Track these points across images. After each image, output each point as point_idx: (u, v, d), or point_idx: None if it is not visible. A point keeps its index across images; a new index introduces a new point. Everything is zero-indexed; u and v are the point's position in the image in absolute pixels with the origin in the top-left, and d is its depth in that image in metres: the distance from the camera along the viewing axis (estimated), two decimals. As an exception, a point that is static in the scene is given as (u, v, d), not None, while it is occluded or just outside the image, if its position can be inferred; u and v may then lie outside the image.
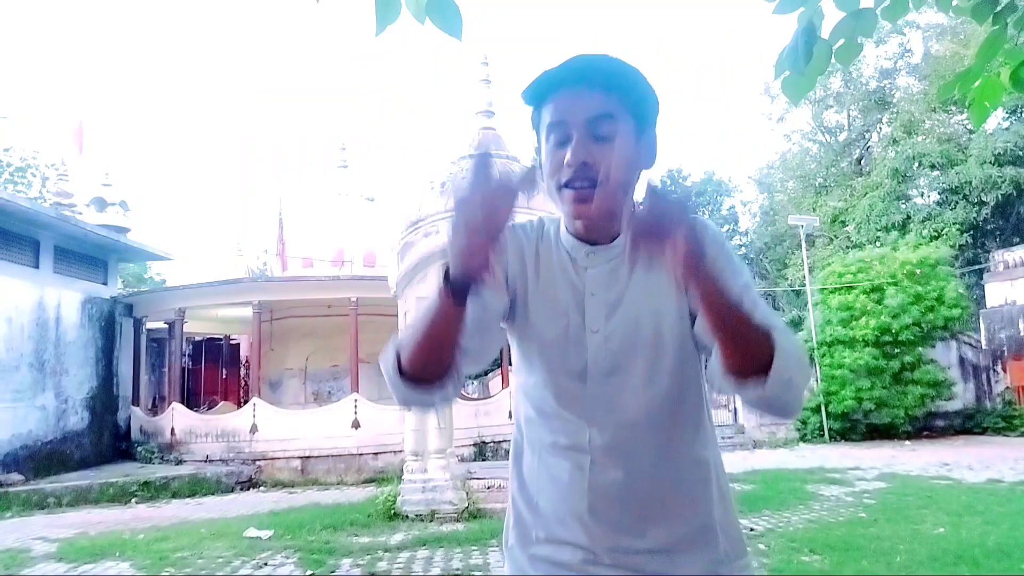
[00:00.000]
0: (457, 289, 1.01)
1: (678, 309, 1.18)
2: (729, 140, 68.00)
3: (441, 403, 1.18)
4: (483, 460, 13.09)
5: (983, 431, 16.58)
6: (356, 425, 13.32)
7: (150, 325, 16.98)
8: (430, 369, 1.12)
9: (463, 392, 17.64)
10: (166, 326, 16.76)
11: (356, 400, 13.52)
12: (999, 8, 2.48)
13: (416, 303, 8.65)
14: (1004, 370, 17.56)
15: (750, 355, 1.02)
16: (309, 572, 5.92)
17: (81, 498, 11.13)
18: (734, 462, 13.01)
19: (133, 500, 11.21)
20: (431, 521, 8.00)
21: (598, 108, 1.14)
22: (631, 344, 1.18)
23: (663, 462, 1.18)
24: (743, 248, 35.42)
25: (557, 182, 1.17)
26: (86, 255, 14.77)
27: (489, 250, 0.97)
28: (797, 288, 22.09)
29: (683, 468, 1.19)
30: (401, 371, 1.13)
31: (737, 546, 1.21)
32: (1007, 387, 17.42)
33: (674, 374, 1.19)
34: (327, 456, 13.19)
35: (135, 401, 15.73)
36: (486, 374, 21.34)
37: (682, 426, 1.20)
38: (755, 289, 1.18)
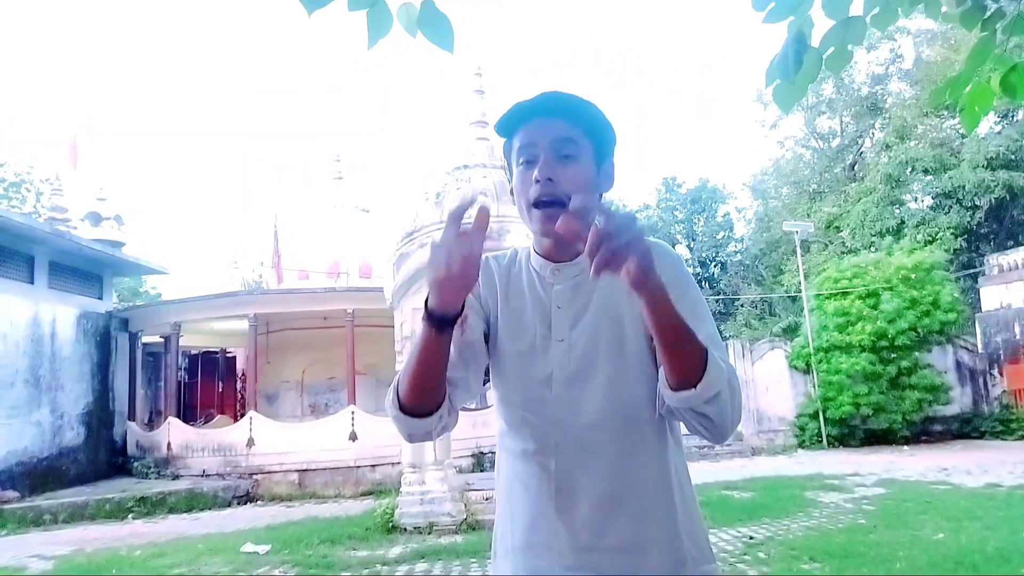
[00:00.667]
0: (438, 319, 1.14)
1: (638, 321, 1.27)
2: (723, 147, 68.25)
3: (440, 432, 1.32)
4: (481, 471, 13.04)
5: (981, 435, 16.58)
6: (353, 437, 13.27)
7: (146, 339, 16.94)
8: (425, 398, 1.24)
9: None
10: (162, 340, 16.73)
11: (353, 412, 13.48)
12: (987, 15, 2.49)
13: (412, 314, 8.65)
14: (1001, 374, 17.57)
15: (685, 364, 1.13)
16: (307, 587, 5.89)
17: (77, 514, 11.07)
18: (733, 469, 13.00)
19: (130, 516, 11.15)
20: (429, 533, 7.97)
21: (562, 132, 1.29)
22: (594, 351, 1.28)
23: (625, 464, 1.25)
24: (739, 255, 35.49)
25: (527, 201, 1.30)
26: (81, 270, 14.74)
27: (461, 285, 1.12)
28: (793, 294, 22.13)
29: (644, 471, 1.26)
30: (400, 406, 1.25)
31: (703, 551, 1.28)
32: (1004, 391, 17.43)
33: (636, 382, 1.27)
34: (324, 469, 13.14)
35: (131, 416, 15.66)
36: (484, 384, 21.27)
37: (644, 431, 1.27)
38: (705, 313, 1.30)
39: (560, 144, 1.29)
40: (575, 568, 1.22)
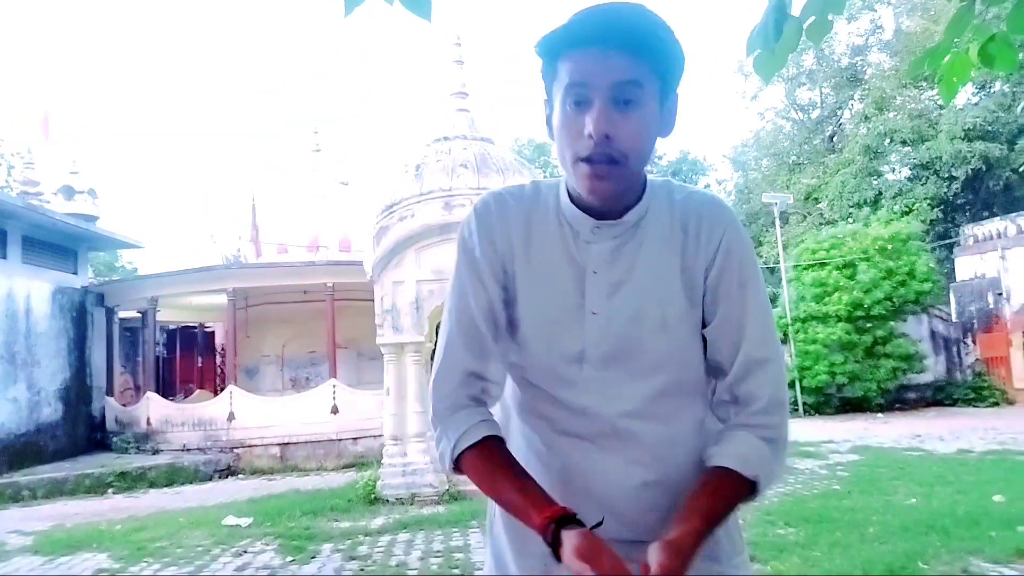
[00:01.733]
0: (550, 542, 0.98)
1: (687, 301, 1.12)
2: (704, 119, 68.19)
3: None
4: None
5: (953, 403, 16.92)
6: (335, 411, 13.27)
7: (122, 314, 16.76)
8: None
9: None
10: (139, 315, 16.55)
11: (335, 386, 13.47)
12: (967, -16, 2.49)
13: (392, 287, 8.60)
14: (974, 342, 17.91)
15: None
16: (289, 558, 5.92)
17: (57, 490, 11.01)
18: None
19: (110, 491, 11.11)
20: (411, 504, 8.02)
21: (625, 73, 1.02)
22: (634, 328, 1.09)
23: (660, 455, 1.11)
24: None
25: (575, 154, 1.05)
26: (55, 244, 14.51)
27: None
28: (772, 265, 22.29)
29: (681, 462, 1.12)
30: (457, 468, 1.15)
31: (736, 543, 1.17)
32: (977, 359, 17.78)
33: (682, 366, 1.12)
34: (306, 442, 13.14)
35: (109, 391, 15.54)
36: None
37: (682, 421, 1.13)
38: (760, 307, 1.14)
39: (621, 88, 1.02)
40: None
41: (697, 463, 1.11)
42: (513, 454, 1.15)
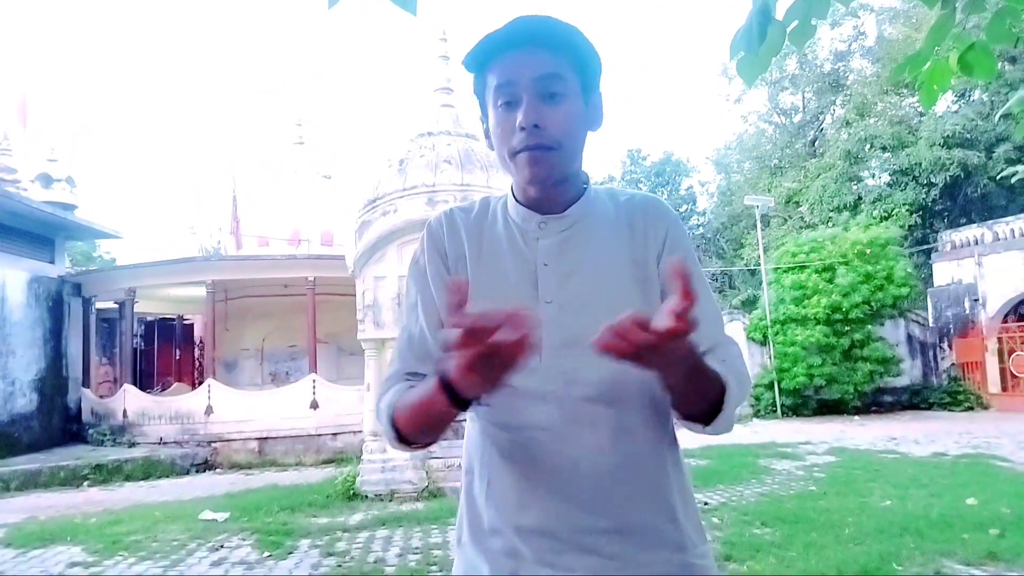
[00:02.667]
0: (460, 400, 0.96)
1: (638, 289, 1.16)
2: (688, 121, 68.49)
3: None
4: (443, 439, 13.11)
5: (929, 406, 17.12)
6: (314, 405, 13.22)
7: (100, 305, 16.58)
8: (431, 437, 1.13)
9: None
10: (116, 306, 16.41)
11: (314, 380, 13.41)
12: (948, -8, 2.53)
13: (374, 283, 8.58)
14: (950, 347, 18.13)
15: (701, 405, 1.05)
16: (266, 554, 5.88)
17: (30, 482, 10.88)
18: (690, 437, 13.14)
19: (85, 483, 10.99)
20: (390, 501, 8.00)
21: (546, 67, 1.12)
22: (587, 315, 1.10)
23: (622, 439, 1.12)
24: (701, 228, 35.84)
25: (510, 149, 1.14)
26: (31, 233, 14.32)
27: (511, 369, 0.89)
28: (752, 267, 22.47)
29: (642, 446, 1.14)
30: (401, 437, 1.13)
31: (699, 533, 1.18)
32: (953, 363, 18.00)
33: None
34: (285, 437, 13.08)
35: (86, 383, 15.38)
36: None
37: (642, 405, 1.14)
38: (711, 303, 1.18)
39: (544, 82, 1.12)
40: (570, 551, 1.09)
41: (660, 447, 1.16)
42: (478, 458, 1.19)
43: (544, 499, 1.10)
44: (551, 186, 1.17)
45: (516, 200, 1.22)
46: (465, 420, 1.25)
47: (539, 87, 1.12)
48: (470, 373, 0.89)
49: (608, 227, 1.20)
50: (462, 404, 0.97)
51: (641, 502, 1.12)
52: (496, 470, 1.16)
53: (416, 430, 1.10)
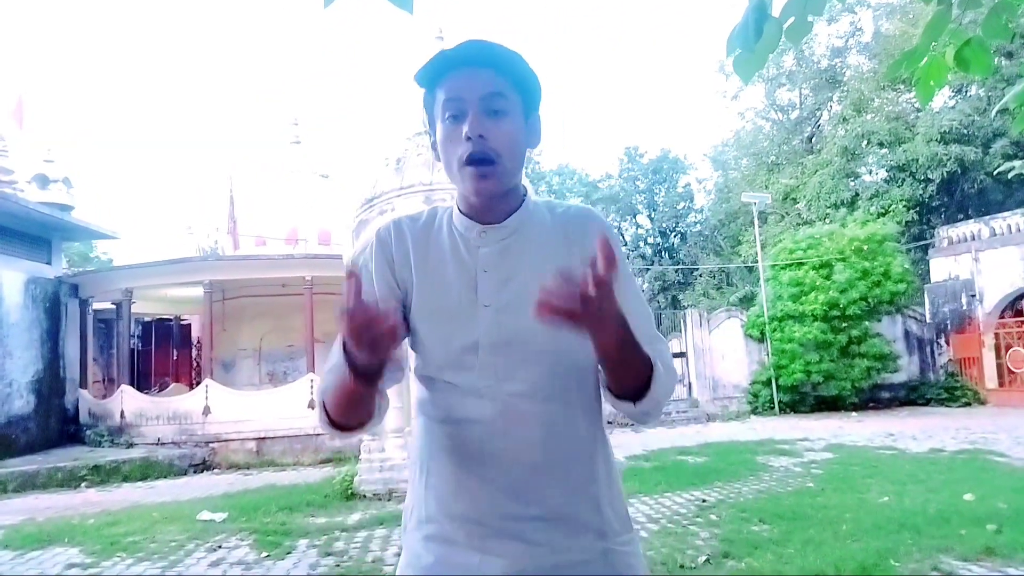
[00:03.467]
0: (363, 374, 1.07)
1: None
2: (685, 118, 68.49)
3: (376, 424, 1.26)
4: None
5: (926, 402, 17.16)
6: (312, 405, 13.15)
7: (97, 306, 16.55)
8: (360, 418, 1.20)
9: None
10: (113, 307, 16.36)
11: (312, 380, 13.38)
12: (944, -12, 2.52)
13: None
14: (947, 343, 18.17)
15: (630, 380, 1.14)
16: (264, 554, 5.88)
17: (28, 483, 10.86)
18: (688, 435, 13.26)
19: (83, 484, 10.97)
20: (389, 500, 7.99)
21: (491, 86, 1.22)
22: (522, 318, 1.18)
23: (552, 432, 1.21)
24: (699, 225, 35.86)
25: (458, 160, 1.22)
26: (28, 234, 14.29)
27: (385, 344, 1.03)
28: (750, 264, 22.48)
29: (571, 440, 1.23)
30: (331, 422, 1.21)
31: (623, 522, 1.26)
32: (950, 359, 18.04)
33: (567, 351, 1.21)
34: (283, 437, 13.06)
35: (83, 384, 15.35)
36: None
37: (572, 402, 1.23)
38: (641, 303, 1.29)
39: (489, 99, 1.22)
40: (498, 537, 1.18)
41: (588, 442, 1.25)
42: (420, 452, 1.29)
43: (476, 488, 1.20)
44: (492, 198, 1.26)
45: (460, 211, 1.31)
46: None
47: (484, 104, 1.21)
48: (354, 343, 1.03)
49: (544, 236, 1.29)
50: (362, 376, 1.07)
51: (566, 492, 1.20)
52: (435, 463, 1.25)
53: (338, 409, 1.18)
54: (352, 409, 1.18)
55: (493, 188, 1.23)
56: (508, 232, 1.28)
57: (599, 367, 1.18)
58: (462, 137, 1.20)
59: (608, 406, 1.27)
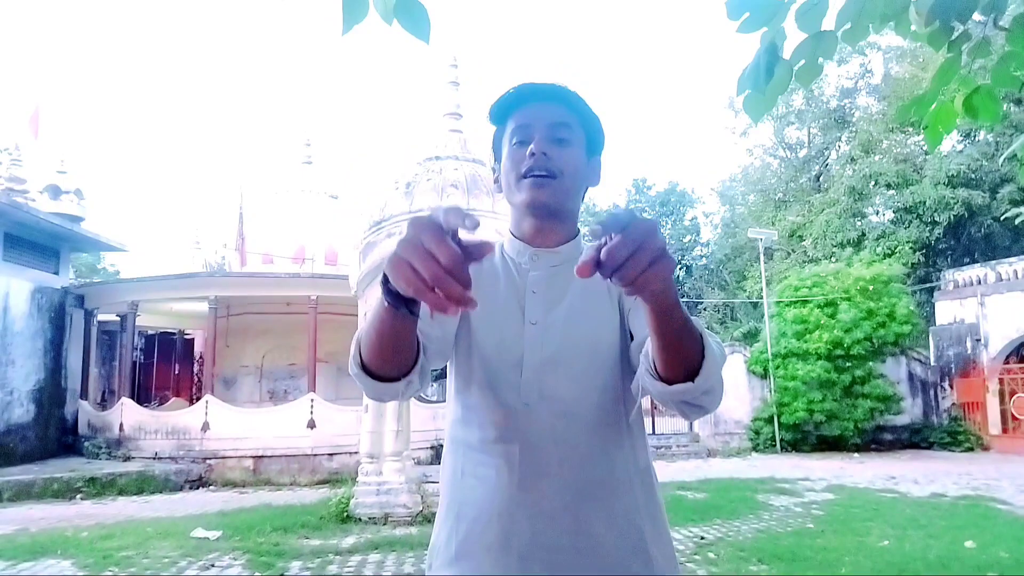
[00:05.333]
0: (402, 300, 0.98)
1: (614, 322, 1.25)
2: (693, 152, 68.88)
3: (409, 394, 1.21)
4: (439, 463, 13.01)
5: (929, 446, 16.99)
6: (312, 425, 13.16)
7: (101, 317, 16.59)
8: (391, 365, 1.11)
9: (421, 395, 17.55)
10: (118, 319, 16.40)
11: (312, 400, 13.36)
12: (954, 37, 2.55)
13: (377, 304, 8.57)
14: (951, 387, 18.03)
15: (685, 358, 1.02)
16: (257, 574, 5.83)
17: (24, 493, 10.82)
18: (688, 470, 13.16)
19: (78, 496, 10.92)
20: (384, 524, 7.94)
21: (559, 116, 1.26)
22: (569, 337, 1.22)
23: (593, 455, 1.19)
24: (704, 259, 35.89)
25: (517, 174, 1.26)
26: (38, 243, 14.38)
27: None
28: (754, 300, 22.44)
29: (613, 465, 1.20)
30: (364, 367, 1.12)
31: (668, 559, 1.21)
32: (954, 403, 17.89)
33: (612, 373, 1.23)
34: (280, 456, 13.00)
35: (84, 395, 15.34)
36: (444, 377, 21.26)
37: (617, 425, 1.23)
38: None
39: (556, 128, 1.26)
40: (535, 569, 1.13)
41: (629, 469, 1.22)
42: (450, 484, 1.28)
43: (511, 514, 1.16)
44: (546, 217, 1.29)
45: (513, 235, 1.35)
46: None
47: (551, 131, 1.25)
48: (402, 266, 0.84)
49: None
50: (397, 302, 0.97)
51: (609, 521, 1.17)
52: (467, 489, 1.23)
53: (371, 349, 1.09)
54: (385, 349, 1.08)
55: (548, 200, 1.25)
56: (559, 259, 1.30)
57: (647, 357, 1.08)
58: (526, 155, 1.24)
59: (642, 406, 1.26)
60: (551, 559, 1.14)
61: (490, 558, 1.16)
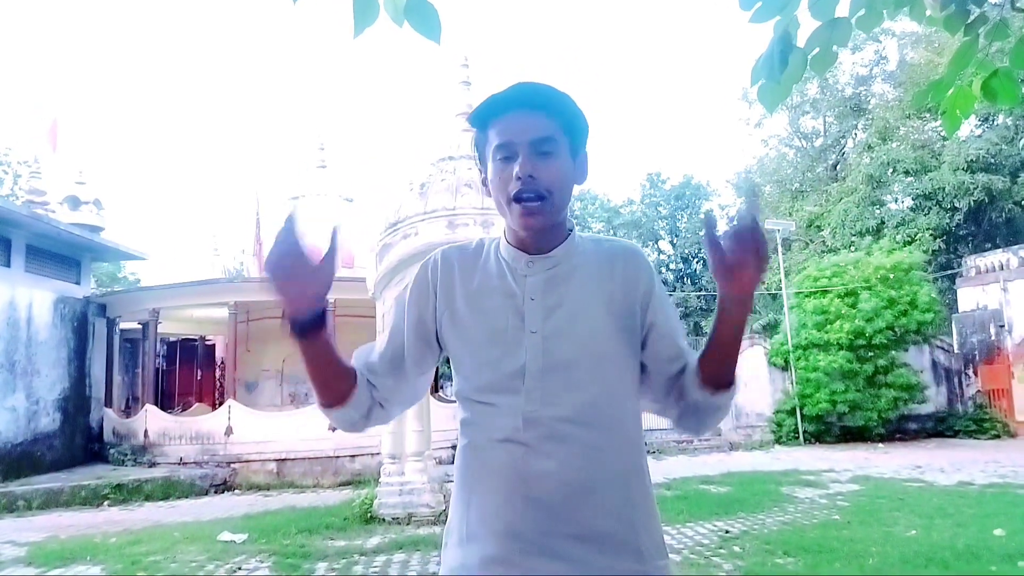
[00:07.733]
0: (297, 329, 1.27)
1: (614, 325, 1.31)
2: (708, 144, 68.50)
3: (370, 423, 1.43)
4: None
5: (955, 434, 16.81)
6: (333, 427, 13.16)
7: (124, 325, 16.77)
8: (327, 392, 1.36)
9: (441, 395, 17.58)
10: (140, 326, 16.56)
11: (333, 402, 13.40)
12: (970, 20, 2.52)
13: (393, 304, 8.61)
14: (975, 374, 17.83)
15: (732, 364, 1.26)
16: (284, 576, 5.87)
17: (52, 501, 10.95)
18: (711, 464, 13.10)
19: (105, 503, 11.05)
20: (408, 524, 7.97)
21: (541, 130, 1.29)
22: (569, 343, 1.28)
23: (592, 457, 1.25)
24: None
25: (507, 196, 1.30)
26: (59, 254, 14.55)
27: (310, 294, 1.28)
28: (774, 292, 22.27)
29: (610, 465, 1.27)
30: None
31: (658, 548, 1.30)
32: (978, 391, 17.69)
33: (610, 379, 1.30)
34: (303, 459, 13.09)
35: (108, 402, 15.51)
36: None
37: (613, 428, 1.29)
38: (677, 315, 1.44)
39: (539, 143, 1.28)
40: (538, 554, 1.21)
41: (626, 468, 1.29)
42: (463, 473, 1.35)
43: (517, 506, 1.24)
44: (540, 232, 1.33)
45: (508, 241, 1.38)
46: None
47: (534, 147, 1.28)
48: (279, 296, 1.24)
49: (589, 267, 1.35)
50: (298, 329, 1.30)
51: (603, 514, 1.24)
52: (479, 482, 1.30)
53: (310, 381, 1.35)
54: (314, 378, 1.34)
55: (541, 223, 1.30)
56: (554, 262, 1.34)
57: (698, 360, 1.29)
58: (512, 176, 1.28)
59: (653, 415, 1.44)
60: (552, 544, 1.21)
61: (496, 542, 1.24)
